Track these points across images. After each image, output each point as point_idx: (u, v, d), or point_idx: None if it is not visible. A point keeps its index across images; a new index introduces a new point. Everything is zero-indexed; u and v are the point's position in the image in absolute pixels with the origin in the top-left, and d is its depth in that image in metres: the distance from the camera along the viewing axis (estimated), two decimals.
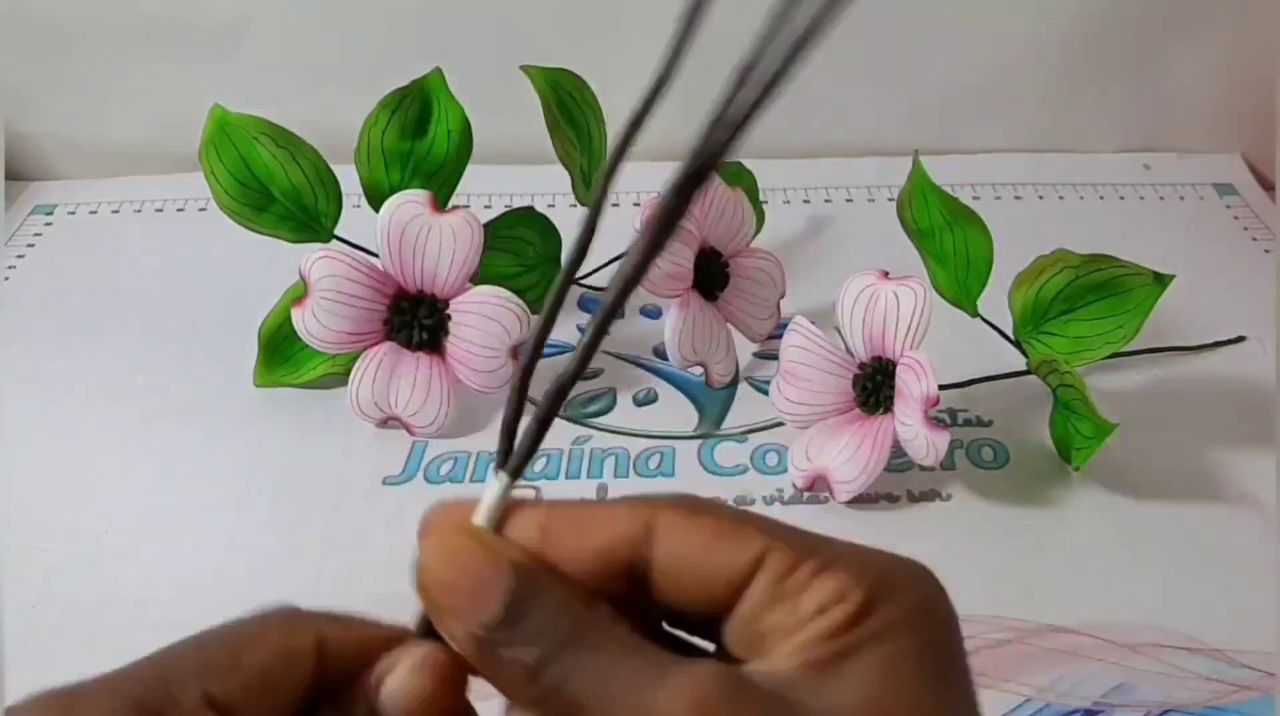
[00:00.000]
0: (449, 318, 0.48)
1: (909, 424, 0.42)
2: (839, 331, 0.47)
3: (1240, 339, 0.54)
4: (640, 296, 0.55)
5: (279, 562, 0.43)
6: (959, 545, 0.44)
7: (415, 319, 0.48)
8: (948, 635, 0.22)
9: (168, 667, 0.21)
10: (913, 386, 0.42)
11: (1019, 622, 0.40)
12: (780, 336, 0.48)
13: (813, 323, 0.47)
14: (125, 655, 0.41)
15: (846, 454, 0.45)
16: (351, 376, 0.48)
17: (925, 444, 0.42)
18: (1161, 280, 0.46)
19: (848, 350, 0.47)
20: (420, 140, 0.49)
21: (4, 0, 0.62)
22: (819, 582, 0.21)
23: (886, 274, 0.45)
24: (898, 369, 0.44)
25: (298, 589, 0.42)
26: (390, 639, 0.23)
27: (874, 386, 0.45)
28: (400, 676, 0.22)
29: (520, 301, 0.47)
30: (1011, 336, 0.47)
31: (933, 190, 0.49)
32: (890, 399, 0.44)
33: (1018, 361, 0.48)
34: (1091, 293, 0.46)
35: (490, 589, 0.21)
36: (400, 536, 0.45)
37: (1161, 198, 0.66)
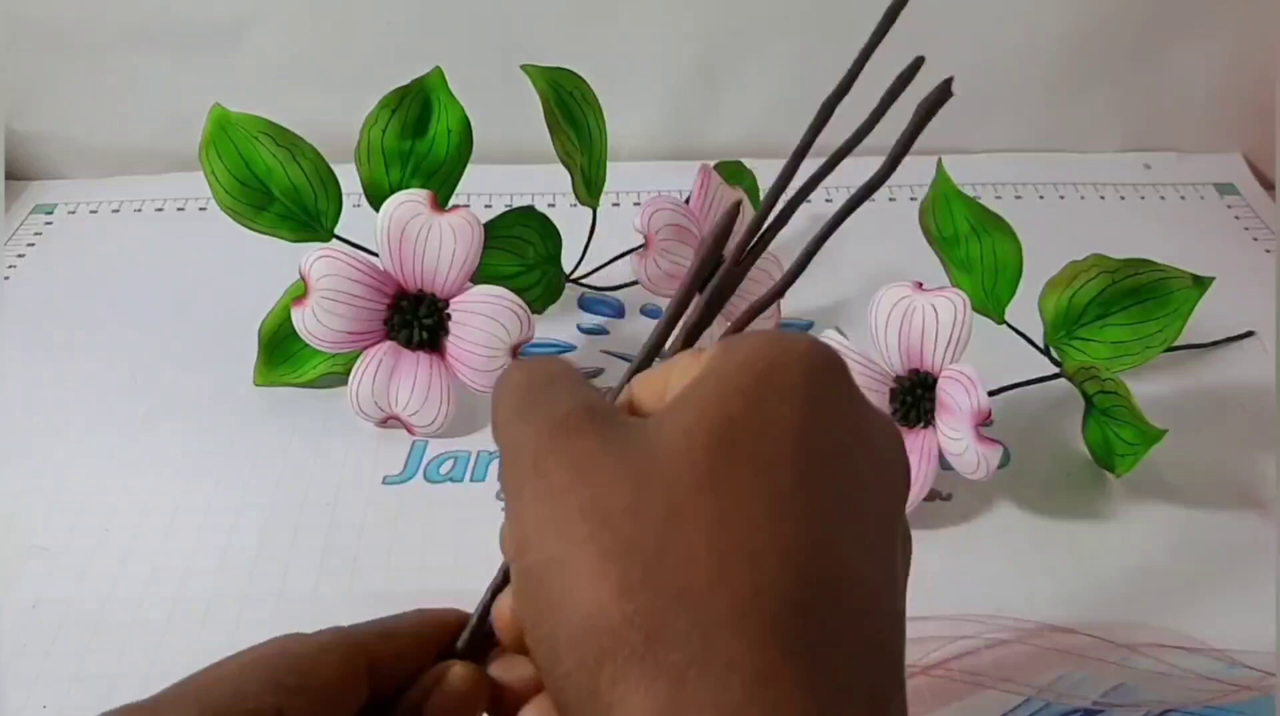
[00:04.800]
0: (449, 317, 0.48)
1: (957, 438, 0.42)
2: (873, 343, 0.46)
3: (1250, 334, 0.54)
4: (640, 296, 0.55)
5: (279, 562, 0.43)
6: (959, 545, 0.44)
7: (415, 318, 0.48)
8: (807, 373, 0.23)
9: (240, 684, 0.23)
10: (961, 400, 0.42)
11: (1019, 622, 0.40)
12: None
13: (843, 334, 0.47)
14: (125, 655, 0.41)
15: None
16: (351, 376, 0.48)
17: (976, 458, 0.41)
18: (1201, 283, 0.45)
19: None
20: (420, 140, 0.49)
21: (4, 0, 0.62)
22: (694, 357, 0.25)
23: (921, 285, 0.45)
24: (940, 382, 0.43)
25: (298, 589, 0.42)
26: (429, 645, 0.26)
27: (914, 400, 0.44)
28: (435, 697, 0.25)
29: (520, 301, 0.47)
30: (1040, 343, 0.47)
31: (957, 197, 0.48)
32: (931, 412, 0.44)
33: (1043, 367, 0.47)
34: (1128, 297, 0.46)
35: None
36: (400, 536, 0.45)
37: (1162, 197, 0.66)
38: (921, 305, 0.44)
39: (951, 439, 0.42)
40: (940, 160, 0.49)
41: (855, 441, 0.23)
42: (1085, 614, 0.41)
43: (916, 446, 0.44)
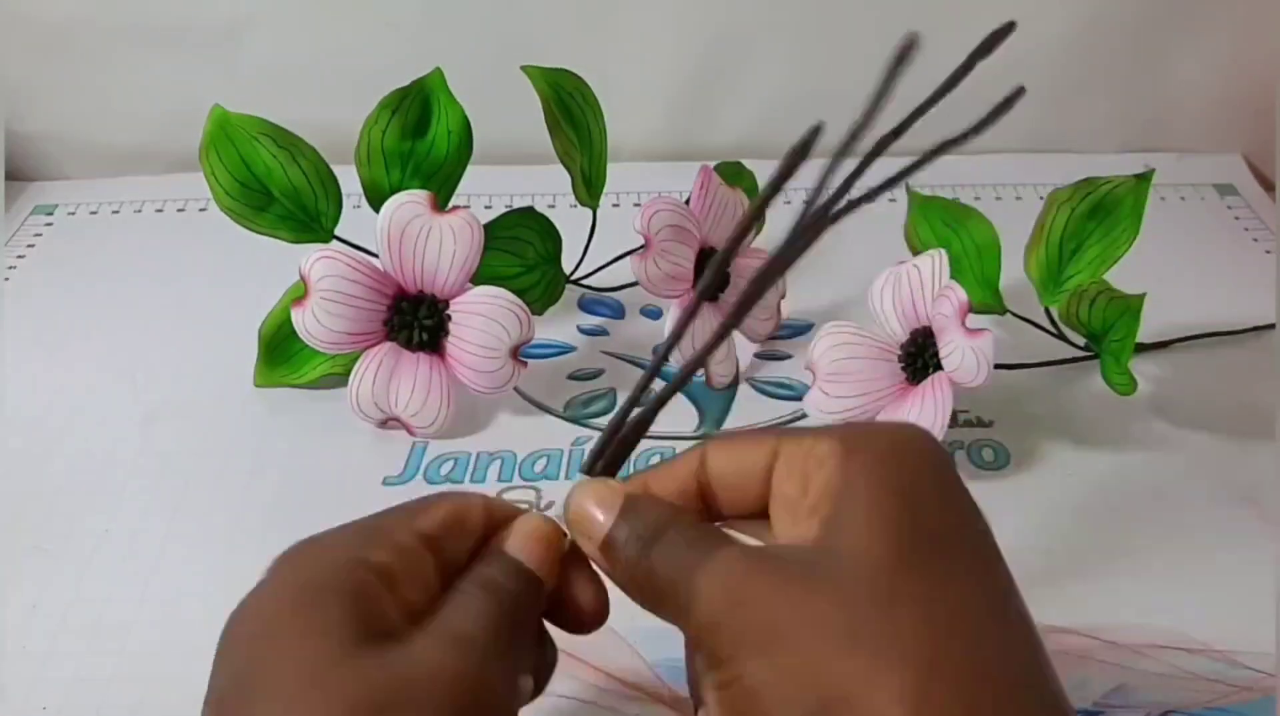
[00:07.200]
0: (449, 318, 0.48)
1: (951, 348, 0.43)
2: (876, 321, 0.48)
3: (1273, 326, 0.54)
4: (641, 296, 0.55)
5: None
6: None
7: (415, 319, 0.48)
8: (929, 466, 0.26)
9: (380, 521, 0.29)
10: (947, 309, 0.43)
11: None
12: (782, 336, 0.48)
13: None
14: (125, 656, 0.41)
15: (915, 417, 0.44)
16: (351, 376, 0.48)
17: (972, 357, 0.42)
18: (1142, 178, 0.48)
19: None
20: (420, 140, 0.49)
21: (4, 0, 0.62)
22: (813, 451, 0.26)
23: (902, 262, 0.47)
24: (934, 306, 0.45)
25: None
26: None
27: (921, 357, 0.46)
28: (515, 536, 0.29)
29: (520, 302, 0.47)
30: (1043, 323, 0.48)
31: (928, 206, 0.50)
32: (936, 358, 0.45)
33: (1049, 352, 0.48)
34: (1091, 219, 0.48)
35: (609, 506, 0.28)
36: None
37: (1162, 197, 0.66)
38: (905, 270, 0.47)
39: (948, 356, 0.43)
40: (906, 184, 0.50)
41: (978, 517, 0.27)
42: (1085, 615, 0.40)
43: (930, 389, 0.44)
